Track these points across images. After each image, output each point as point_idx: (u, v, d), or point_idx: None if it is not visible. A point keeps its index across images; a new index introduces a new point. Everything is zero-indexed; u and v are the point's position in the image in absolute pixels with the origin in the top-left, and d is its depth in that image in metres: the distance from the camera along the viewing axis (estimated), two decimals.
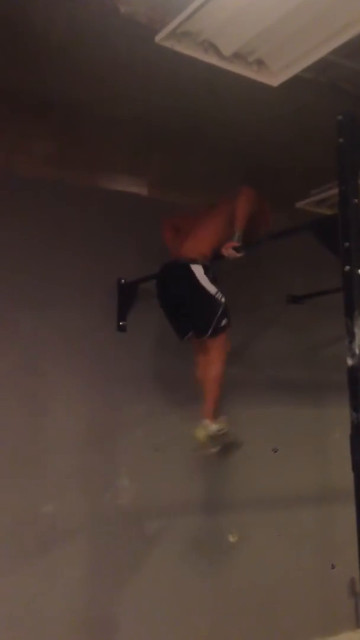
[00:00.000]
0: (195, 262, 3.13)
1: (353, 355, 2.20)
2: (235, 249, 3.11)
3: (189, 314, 3.20)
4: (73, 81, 3.07)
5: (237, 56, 2.29)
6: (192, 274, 3.11)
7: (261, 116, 3.31)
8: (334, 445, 3.96)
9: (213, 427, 3.09)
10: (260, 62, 2.35)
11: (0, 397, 3.13)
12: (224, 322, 3.09)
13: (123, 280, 3.55)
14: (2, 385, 3.14)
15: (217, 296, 3.10)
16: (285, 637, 3.75)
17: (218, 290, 3.11)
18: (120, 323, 3.53)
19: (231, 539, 3.71)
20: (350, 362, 2.21)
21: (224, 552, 3.69)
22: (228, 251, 3.12)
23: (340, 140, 2.33)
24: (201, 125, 3.45)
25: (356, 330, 2.20)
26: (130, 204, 3.68)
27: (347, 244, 2.26)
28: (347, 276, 2.24)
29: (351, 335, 2.21)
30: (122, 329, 3.52)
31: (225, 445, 3.19)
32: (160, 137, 3.63)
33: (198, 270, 3.11)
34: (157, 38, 2.20)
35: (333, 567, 3.97)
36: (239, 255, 3.12)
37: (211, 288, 3.10)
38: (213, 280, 3.13)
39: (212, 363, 3.15)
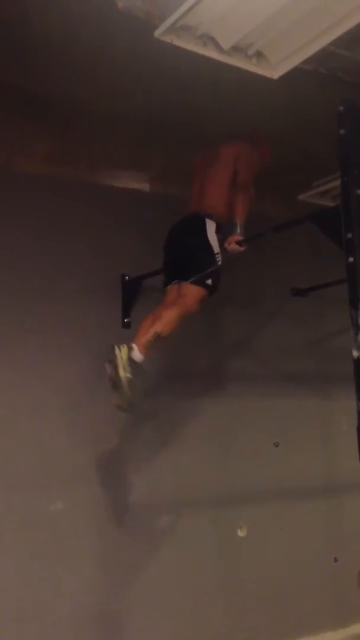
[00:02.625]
0: (211, 217, 3.16)
1: (358, 346, 2.20)
2: (238, 242, 3.11)
3: (185, 264, 3.12)
4: (72, 77, 3.06)
5: (236, 49, 2.29)
6: (204, 227, 3.13)
7: (262, 109, 3.29)
8: (341, 437, 3.96)
9: (136, 353, 2.82)
10: (259, 55, 2.34)
11: (5, 395, 3.14)
12: (209, 281, 3.05)
13: (127, 277, 3.55)
14: (6, 384, 3.15)
15: (217, 256, 3.10)
16: (295, 630, 3.76)
17: (220, 252, 3.11)
18: (125, 320, 3.53)
19: (240, 533, 3.72)
20: (355, 353, 2.21)
21: (232, 546, 3.69)
22: (231, 245, 3.12)
23: (342, 131, 2.32)
24: (202, 119, 3.44)
25: None
26: (132, 200, 3.68)
27: (350, 235, 2.26)
28: (350, 267, 2.24)
29: (356, 327, 2.21)
30: (126, 325, 3.52)
31: (131, 390, 2.83)
32: (160, 132, 3.62)
33: (211, 225, 3.14)
34: (156, 33, 2.19)
35: (336, 560, 3.97)
36: (242, 249, 3.12)
37: (215, 246, 3.11)
38: (221, 241, 3.14)
39: (175, 304, 3.01)
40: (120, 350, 2.80)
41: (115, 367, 2.78)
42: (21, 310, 3.23)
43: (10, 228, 3.25)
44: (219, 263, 3.09)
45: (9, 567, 3.00)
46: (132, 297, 3.53)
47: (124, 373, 2.78)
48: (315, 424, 4.15)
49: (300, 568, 3.88)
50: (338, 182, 2.46)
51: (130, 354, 2.81)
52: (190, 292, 3.03)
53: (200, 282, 3.03)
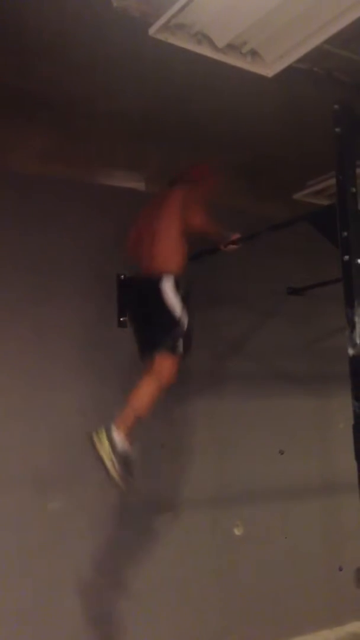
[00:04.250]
0: (167, 274, 2.95)
1: (354, 345, 2.21)
2: (233, 242, 3.11)
3: (150, 334, 3.01)
4: (68, 76, 3.06)
5: (231, 47, 2.29)
6: (160, 290, 2.93)
7: (257, 108, 3.30)
8: (338, 435, 3.97)
9: (117, 440, 2.72)
10: (254, 53, 2.34)
11: (2, 395, 3.13)
12: (178, 346, 2.88)
13: (122, 276, 3.55)
14: (3, 383, 3.14)
15: (180, 320, 2.90)
16: (293, 628, 3.76)
17: (184, 311, 2.91)
18: (121, 319, 3.52)
19: (237, 531, 3.72)
20: (351, 352, 2.22)
21: (230, 545, 3.70)
22: (227, 247, 3.13)
23: (337, 129, 2.33)
24: (197, 118, 3.44)
25: (357, 319, 2.20)
26: (128, 199, 3.67)
27: (345, 233, 2.26)
28: (346, 266, 2.24)
29: (352, 325, 2.21)
30: (122, 324, 3.52)
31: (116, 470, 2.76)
32: (156, 131, 3.62)
33: (167, 284, 2.93)
34: (151, 31, 2.19)
35: (341, 569, 3.97)
36: (235, 248, 3.12)
37: (177, 307, 2.91)
38: (184, 297, 2.94)
39: (150, 379, 2.88)
40: (100, 441, 2.70)
41: (101, 460, 2.70)
42: (16, 309, 3.22)
43: (4, 227, 3.24)
44: (184, 325, 2.90)
45: (6, 566, 3.00)
46: (127, 296, 3.53)
47: (112, 466, 2.71)
48: (312, 422, 4.15)
49: (297, 566, 3.89)
50: (333, 181, 2.47)
51: (113, 443, 2.70)
52: (163, 366, 2.88)
53: (170, 350, 2.88)
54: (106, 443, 2.69)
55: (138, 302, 3.13)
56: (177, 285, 2.95)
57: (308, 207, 3.80)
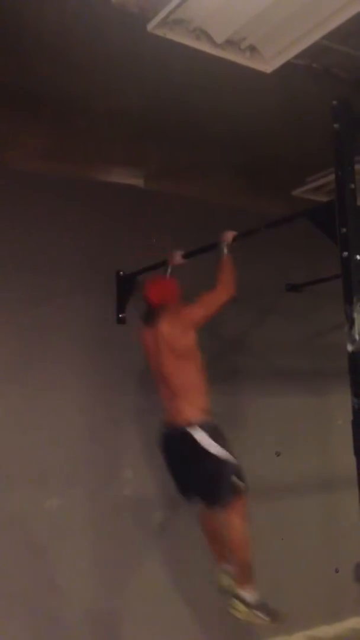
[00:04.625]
0: (195, 426, 2.80)
1: (353, 341, 2.20)
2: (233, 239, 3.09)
3: (197, 481, 2.89)
4: (66, 74, 3.05)
5: (230, 43, 2.28)
6: (196, 443, 2.77)
7: (256, 105, 3.29)
8: (337, 432, 3.96)
9: (247, 596, 2.80)
10: (253, 49, 2.33)
11: (1, 393, 3.13)
12: (237, 485, 2.80)
13: (121, 273, 3.55)
14: (2, 380, 3.14)
15: (226, 459, 2.78)
16: (292, 624, 3.76)
17: (227, 450, 2.79)
18: (120, 315, 3.53)
19: None
20: (350, 348, 2.21)
21: None
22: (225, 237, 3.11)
23: (336, 125, 2.32)
24: (196, 115, 3.43)
25: (356, 316, 2.20)
26: (127, 196, 3.67)
27: (344, 229, 2.25)
28: (345, 262, 2.24)
29: (351, 321, 2.21)
30: (121, 321, 3.52)
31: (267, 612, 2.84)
32: (155, 128, 3.61)
33: (199, 434, 2.79)
34: (149, 26, 2.18)
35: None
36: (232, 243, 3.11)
37: (218, 450, 2.78)
38: (219, 437, 2.81)
39: (231, 527, 2.83)
40: (238, 610, 2.80)
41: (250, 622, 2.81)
42: (16, 307, 3.22)
43: (4, 225, 3.24)
44: (234, 460, 2.80)
45: (4, 563, 3.00)
46: (126, 293, 3.53)
47: (259, 619, 2.80)
48: (310, 419, 4.15)
49: (297, 562, 3.89)
50: (332, 177, 2.46)
51: (247, 602, 2.79)
52: (235, 513, 2.82)
53: (230, 495, 2.78)
54: (241, 607, 2.79)
55: (175, 452, 2.95)
56: (209, 431, 2.81)
57: (307, 203, 3.79)
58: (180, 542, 3.51)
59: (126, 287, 3.54)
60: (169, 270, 3.26)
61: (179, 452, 2.90)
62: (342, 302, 2.26)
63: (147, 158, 3.78)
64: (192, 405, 2.85)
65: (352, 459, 2.17)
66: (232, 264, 2.95)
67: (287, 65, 2.50)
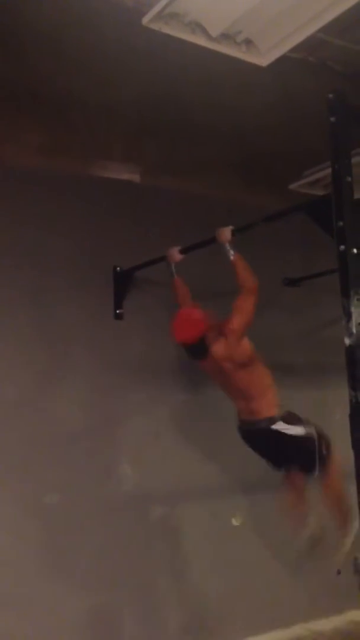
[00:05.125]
0: (272, 421, 3.08)
1: (350, 334, 2.19)
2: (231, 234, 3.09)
3: (291, 459, 3.17)
4: (63, 69, 3.05)
5: (225, 36, 2.27)
6: (281, 434, 3.08)
7: (253, 99, 3.30)
8: (334, 426, 3.96)
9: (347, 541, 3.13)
10: (248, 42, 2.33)
11: (1, 389, 3.13)
12: (324, 451, 3.08)
13: (119, 268, 3.54)
14: (1, 378, 3.14)
15: (309, 435, 3.09)
16: (291, 616, 3.78)
17: (306, 426, 3.10)
18: (117, 311, 3.52)
19: (234, 522, 3.73)
20: (347, 341, 2.20)
21: (227, 535, 3.70)
22: (223, 236, 3.11)
23: (332, 119, 2.30)
24: (193, 110, 3.43)
25: (353, 309, 2.19)
26: (124, 191, 3.66)
27: (341, 223, 2.24)
28: (342, 255, 2.23)
29: (348, 315, 2.20)
30: (118, 317, 3.52)
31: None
32: (152, 124, 3.61)
33: (280, 425, 3.08)
34: (144, 20, 2.18)
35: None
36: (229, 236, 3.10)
37: (300, 431, 3.09)
38: (295, 420, 3.10)
39: (331, 487, 3.14)
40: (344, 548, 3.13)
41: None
42: (13, 303, 3.21)
43: None
44: (315, 433, 3.09)
45: (3, 559, 3.00)
46: (124, 289, 3.53)
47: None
48: (308, 413, 4.14)
49: (295, 555, 3.89)
50: (328, 171, 2.45)
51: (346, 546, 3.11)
52: (330, 475, 3.11)
53: (324, 463, 3.07)
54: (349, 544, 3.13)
55: (262, 443, 3.19)
56: (287, 419, 3.10)
57: (304, 197, 3.79)
58: (178, 536, 3.52)
59: (123, 283, 3.53)
60: (173, 269, 3.26)
61: (266, 443, 3.16)
62: (339, 296, 2.26)
63: (143, 153, 3.77)
64: (266, 403, 3.10)
65: (350, 453, 2.17)
66: (242, 260, 3.00)
67: (283, 59, 2.50)
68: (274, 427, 3.06)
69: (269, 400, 3.11)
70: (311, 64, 3.24)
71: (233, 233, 3.06)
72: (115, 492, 3.36)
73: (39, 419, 3.21)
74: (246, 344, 3.02)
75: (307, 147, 3.63)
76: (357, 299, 2.19)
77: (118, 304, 3.53)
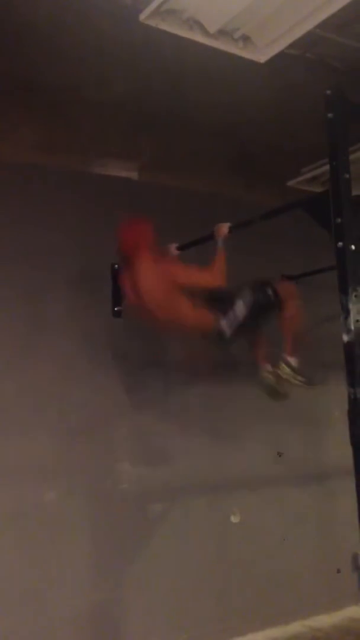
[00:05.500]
0: (220, 328, 3.07)
1: (348, 331, 2.19)
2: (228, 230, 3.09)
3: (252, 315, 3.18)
4: (60, 65, 3.03)
5: (223, 33, 2.27)
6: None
7: (251, 96, 3.28)
8: (333, 423, 3.98)
9: (293, 361, 3.22)
10: (246, 39, 2.32)
11: None
12: (272, 298, 3.16)
13: (117, 266, 3.53)
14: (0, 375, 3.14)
15: (248, 303, 3.10)
16: (291, 613, 3.79)
17: (242, 300, 3.09)
18: (116, 309, 3.51)
19: (233, 519, 3.74)
20: (345, 338, 2.20)
21: (226, 532, 3.71)
22: (220, 231, 3.11)
23: (329, 115, 2.29)
24: (191, 106, 3.41)
25: (351, 306, 2.19)
26: (121, 188, 3.65)
27: (339, 219, 2.24)
28: (340, 252, 2.22)
29: (346, 311, 2.19)
30: (117, 314, 3.51)
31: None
32: (149, 120, 3.59)
33: (226, 327, 3.07)
34: (141, 16, 2.17)
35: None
36: (227, 231, 3.10)
37: (242, 309, 3.09)
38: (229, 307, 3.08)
39: (288, 308, 3.24)
40: (283, 371, 3.24)
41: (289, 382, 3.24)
42: (10, 301, 3.21)
43: None
44: (250, 299, 3.11)
45: (2, 557, 3.00)
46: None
47: (299, 381, 3.25)
48: (307, 410, 4.16)
49: (294, 552, 3.90)
50: (327, 168, 2.45)
51: (292, 367, 3.22)
52: (289, 310, 3.23)
53: (278, 306, 3.20)
54: (286, 369, 3.21)
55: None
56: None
57: (302, 194, 3.79)
58: (177, 533, 3.52)
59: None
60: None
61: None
62: (337, 293, 2.26)
63: (141, 150, 3.77)
64: (201, 321, 3.05)
65: (348, 449, 2.17)
66: (224, 256, 3.00)
67: (281, 56, 2.49)
68: (222, 324, 3.04)
69: (200, 317, 3.04)
70: (309, 61, 3.22)
71: (231, 229, 3.06)
72: (114, 489, 3.37)
73: (37, 416, 3.21)
74: (171, 298, 2.96)
75: (305, 144, 3.61)
76: (355, 296, 2.19)
77: (116, 302, 3.51)
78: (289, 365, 3.22)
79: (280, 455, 3.95)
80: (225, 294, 3.07)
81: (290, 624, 3.76)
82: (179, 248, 3.21)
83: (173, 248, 3.22)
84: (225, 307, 3.06)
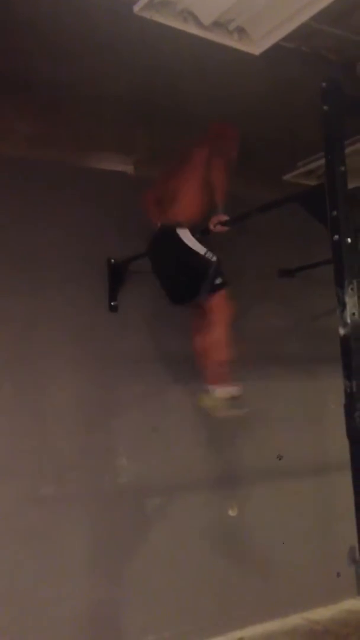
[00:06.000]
0: (180, 225, 3.06)
1: (345, 324, 2.19)
2: (223, 223, 3.09)
3: (181, 279, 3.12)
4: (55, 59, 3.02)
5: (217, 25, 2.25)
6: (178, 238, 3.03)
7: (246, 89, 3.27)
8: (330, 416, 3.97)
9: (222, 392, 2.99)
10: (241, 30, 2.31)
11: None
12: (218, 280, 3.00)
13: (112, 260, 3.53)
14: None
15: (206, 255, 3.01)
16: (288, 606, 3.80)
17: (208, 250, 3.02)
18: (112, 303, 3.51)
19: (231, 512, 3.74)
20: (342, 331, 2.20)
21: (224, 526, 3.71)
22: (216, 227, 3.11)
23: (325, 107, 2.29)
24: (186, 100, 3.40)
25: (347, 299, 2.19)
26: (117, 182, 3.64)
27: (335, 212, 2.24)
28: (336, 245, 2.22)
29: (342, 305, 2.20)
30: (113, 309, 3.51)
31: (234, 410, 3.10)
32: (145, 114, 3.58)
33: (184, 233, 3.04)
34: (136, 8, 2.16)
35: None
36: (226, 229, 3.10)
37: (199, 248, 3.02)
38: (201, 241, 3.04)
39: (213, 325, 3.02)
40: (202, 401, 3.06)
41: (217, 415, 3.06)
42: (5, 297, 3.20)
43: None
44: (214, 259, 3.01)
45: (1, 551, 3.00)
46: (118, 281, 3.52)
47: (226, 414, 3.05)
48: (303, 404, 4.16)
49: (292, 545, 3.91)
50: (323, 161, 2.44)
51: (220, 395, 2.99)
52: (216, 304, 3.01)
53: (212, 290, 2.99)
54: (207, 399, 3.04)
55: (159, 253, 3.19)
56: (192, 232, 3.05)
57: (299, 188, 3.78)
58: (176, 527, 3.52)
59: (118, 275, 3.52)
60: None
61: (163, 251, 3.14)
62: (334, 287, 2.26)
63: (136, 144, 3.75)
64: (185, 215, 3.08)
65: (345, 443, 2.17)
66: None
67: (276, 49, 2.48)
68: (179, 230, 3.02)
69: (190, 210, 3.08)
70: (305, 54, 3.21)
71: (227, 223, 3.06)
72: (112, 484, 3.37)
73: (34, 412, 3.21)
74: (221, 171, 3.10)
75: (301, 137, 3.61)
76: (352, 289, 2.19)
77: (113, 296, 3.52)
78: (211, 395, 3.01)
79: (280, 459, 3.96)
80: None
81: (288, 616, 3.78)
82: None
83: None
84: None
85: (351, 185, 2.32)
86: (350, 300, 2.19)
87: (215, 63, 2.90)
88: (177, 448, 3.59)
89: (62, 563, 3.15)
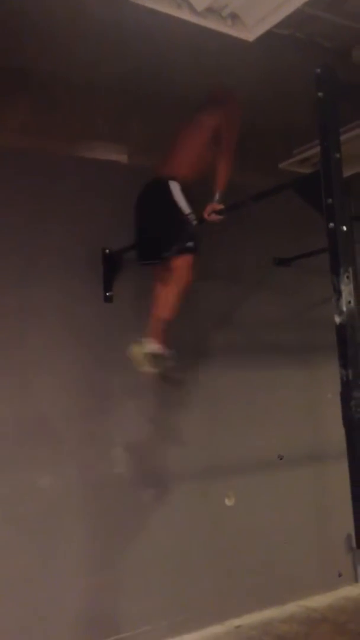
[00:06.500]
0: (174, 179, 3.04)
1: (340, 313, 2.19)
2: (217, 212, 3.07)
3: (157, 233, 3.10)
4: (46, 48, 3.00)
5: (211, 10, 2.23)
6: (168, 190, 3.02)
7: (240, 77, 3.24)
8: (326, 405, 3.97)
9: (150, 346, 2.96)
10: (234, 16, 2.29)
11: None
12: (190, 244, 2.98)
13: (107, 250, 3.51)
14: None
15: (189, 216, 3.00)
16: (284, 594, 3.82)
17: (192, 212, 3.01)
18: (107, 294, 3.50)
19: (227, 502, 3.75)
20: (338, 320, 2.19)
21: (221, 515, 3.72)
22: (210, 216, 3.09)
23: (320, 94, 2.27)
24: (180, 88, 3.38)
25: (343, 287, 2.18)
26: (112, 171, 3.62)
27: (330, 200, 2.22)
28: (331, 233, 2.21)
29: (338, 293, 2.19)
30: (108, 299, 3.50)
31: (165, 375, 3.08)
32: (139, 103, 3.56)
33: (175, 186, 3.03)
34: None
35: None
36: (220, 217, 3.08)
37: (184, 206, 3.01)
38: (190, 201, 3.03)
39: (168, 283, 3.00)
40: (134, 350, 2.99)
41: (141, 369, 2.99)
42: (0, 287, 3.18)
43: None
44: (194, 223, 3.01)
45: None
46: (113, 271, 3.50)
47: (149, 370, 2.99)
48: (300, 393, 4.17)
49: (289, 534, 3.93)
50: (318, 149, 2.42)
51: (144, 350, 2.95)
52: (179, 266, 2.97)
53: (181, 251, 2.97)
54: (137, 349, 2.97)
55: (145, 202, 3.17)
56: (184, 188, 3.03)
57: (294, 176, 3.76)
58: (172, 517, 3.53)
59: (113, 265, 3.51)
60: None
61: (150, 200, 3.14)
62: (329, 276, 2.24)
63: (130, 133, 3.72)
64: (182, 169, 3.08)
65: (342, 432, 2.17)
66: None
67: (270, 35, 2.46)
68: (171, 183, 3.02)
69: (185, 168, 3.08)
70: (299, 40, 3.19)
71: (222, 212, 3.04)
72: (107, 474, 3.37)
73: (30, 403, 3.20)
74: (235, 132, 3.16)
75: (297, 124, 3.59)
76: (347, 277, 2.18)
77: (108, 287, 3.50)
78: (143, 347, 2.97)
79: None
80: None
81: (286, 604, 3.80)
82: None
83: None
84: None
85: (346, 172, 2.30)
86: (345, 289, 2.18)
87: (210, 50, 2.88)
88: (172, 437, 3.59)
89: (60, 552, 3.15)
